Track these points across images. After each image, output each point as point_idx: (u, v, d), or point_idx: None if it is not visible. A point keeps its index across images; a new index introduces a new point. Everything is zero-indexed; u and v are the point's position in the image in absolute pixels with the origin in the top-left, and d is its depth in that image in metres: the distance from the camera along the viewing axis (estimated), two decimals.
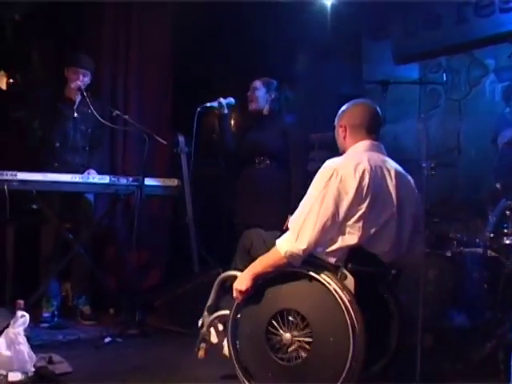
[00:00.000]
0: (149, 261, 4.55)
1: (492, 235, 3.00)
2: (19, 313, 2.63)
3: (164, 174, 4.13)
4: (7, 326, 2.61)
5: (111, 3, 4.51)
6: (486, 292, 2.97)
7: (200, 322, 2.67)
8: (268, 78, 3.76)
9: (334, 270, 2.24)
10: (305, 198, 2.30)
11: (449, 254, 3.14)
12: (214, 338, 2.61)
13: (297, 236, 2.23)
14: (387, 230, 2.30)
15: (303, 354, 2.20)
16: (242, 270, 2.42)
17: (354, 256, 2.25)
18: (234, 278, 2.45)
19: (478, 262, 3.05)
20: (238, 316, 2.40)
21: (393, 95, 3.82)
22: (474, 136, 4.01)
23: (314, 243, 2.21)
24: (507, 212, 2.98)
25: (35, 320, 3.53)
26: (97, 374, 2.78)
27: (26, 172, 3.43)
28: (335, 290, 2.18)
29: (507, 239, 2.95)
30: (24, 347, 2.57)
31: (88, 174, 3.78)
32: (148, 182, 3.72)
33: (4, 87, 4.64)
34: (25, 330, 2.61)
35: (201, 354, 2.61)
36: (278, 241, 2.29)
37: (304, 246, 2.21)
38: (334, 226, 2.22)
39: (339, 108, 2.53)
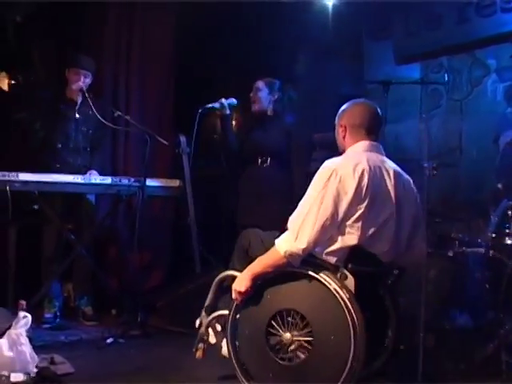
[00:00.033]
0: (151, 261, 4.55)
1: (494, 235, 3.00)
2: (21, 313, 2.64)
3: (166, 174, 4.14)
4: (9, 327, 2.60)
5: (114, 3, 4.51)
6: (488, 292, 2.96)
7: (198, 323, 2.67)
8: (270, 79, 3.75)
9: (333, 269, 2.24)
10: (304, 198, 2.30)
11: (451, 254, 3.12)
12: (212, 339, 2.60)
13: (296, 236, 2.23)
14: (386, 229, 2.30)
15: (303, 354, 2.20)
16: (239, 270, 2.43)
17: (354, 256, 2.25)
18: (232, 278, 2.45)
19: (479, 262, 3.04)
20: (238, 316, 2.40)
21: (394, 95, 3.82)
22: (476, 136, 3.99)
23: (313, 243, 2.22)
24: (509, 212, 2.98)
25: (37, 321, 3.54)
26: (99, 375, 2.79)
27: (27, 173, 3.43)
28: (335, 290, 2.18)
29: (509, 239, 2.96)
30: (26, 348, 2.57)
31: (90, 174, 3.79)
32: (150, 182, 3.72)
33: (6, 88, 4.62)
34: (27, 331, 2.61)
35: (199, 354, 2.61)
36: (277, 241, 2.29)
37: (303, 246, 2.21)
38: (333, 225, 2.22)
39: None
